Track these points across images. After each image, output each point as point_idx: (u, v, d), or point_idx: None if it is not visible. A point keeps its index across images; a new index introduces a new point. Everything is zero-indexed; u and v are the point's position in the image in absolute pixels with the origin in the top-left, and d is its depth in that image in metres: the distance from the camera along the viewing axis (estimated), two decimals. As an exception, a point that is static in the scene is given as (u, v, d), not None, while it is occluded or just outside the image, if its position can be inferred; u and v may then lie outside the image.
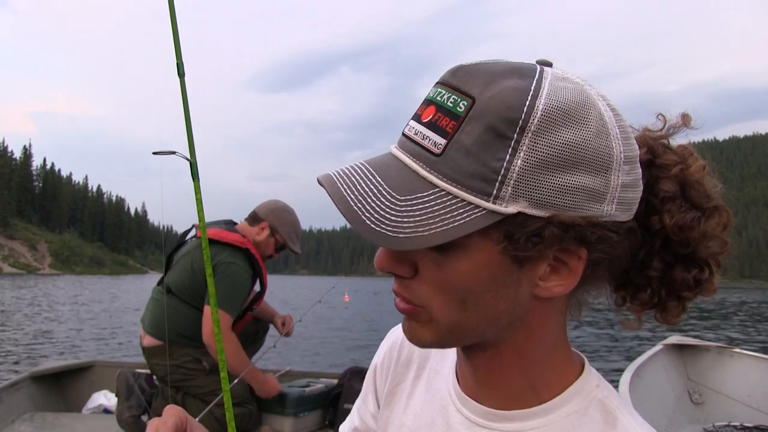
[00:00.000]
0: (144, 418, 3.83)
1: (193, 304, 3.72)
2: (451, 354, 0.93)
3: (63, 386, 5.00)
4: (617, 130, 0.70)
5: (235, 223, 4.06)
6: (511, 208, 0.67)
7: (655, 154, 0.80)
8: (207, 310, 3.57)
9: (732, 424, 3.43)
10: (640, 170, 0.74)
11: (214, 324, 2.85)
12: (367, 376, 1.10)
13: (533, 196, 0.67)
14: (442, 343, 0.79)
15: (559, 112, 0.66)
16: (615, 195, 0.70)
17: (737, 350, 4.46)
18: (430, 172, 0.69)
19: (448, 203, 0.67)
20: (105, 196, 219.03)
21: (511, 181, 0.66)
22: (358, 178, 0.72)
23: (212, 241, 3.64)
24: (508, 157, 0.66)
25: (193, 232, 4.03)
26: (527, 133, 0.66)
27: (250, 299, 3.98)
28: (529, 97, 0.66)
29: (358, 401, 1.13)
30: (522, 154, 0.66)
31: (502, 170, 0.66)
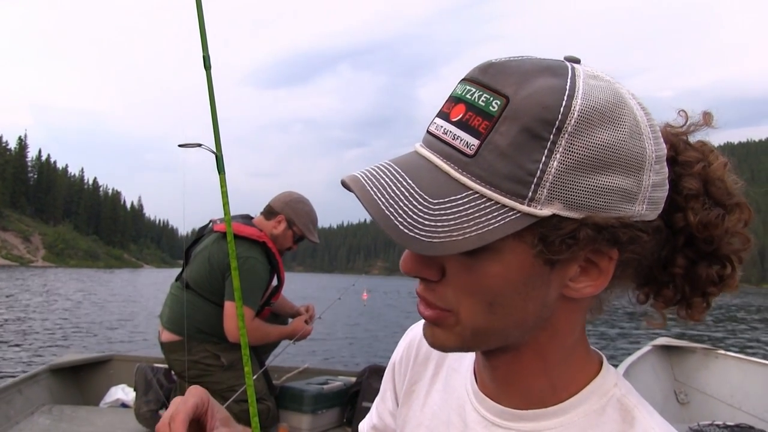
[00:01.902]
0: (161, 412, 3.76)
1: (211, 300, 3.72)
2: (469, 352, 0.91)
3: (81, 379, 5.00)
4: (648, 130, 0.70)
5: (252, 218, 4.05)
6: (546, 211, 0.66)
7: (678, 151, 0.79)
8: (228, 305, 3.60)
9: (715, 423, 3.53)
10: (667, 169, 0.74)
11: (239, 318, 2.84)
12: (386, 374, 1.10)
13: (568, 197, 0.66)
14: (466, 348, 0.79)
15: (595, 113, 0.66)
16: (646, 195, 0.70)
17: (721, 352, 4.57)
18: (462, 174, 0.67)
19: (482, 206, 0.66)
20: (101, 189, 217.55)
21: (547, 183, 0.65)
22: (387, 180, 0.70)
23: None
24: (543, 158, 0.65)
25: (210, 227, 4.00)
26: (564, 134, 0.65)
27: (268, 293, 3.97)
28: (566, 98, 0.66)
29: (377, 399, 1.12)
30: (558, 156, 0.65)
31: (538, 172, 0.65)
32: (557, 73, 0.68)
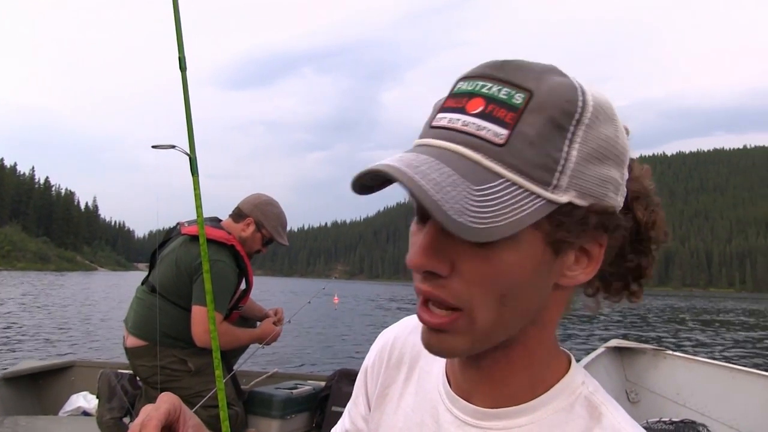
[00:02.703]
0: (126, 420, 3.79)
1: (178, 304, 3.67)
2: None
3: (39, 388, 4.84)
4: (624, 132, 0.75)
5: (220, 220, 4.00)
6: (565, 198, 0.69)
7: None
8: (196, 309, 3.56)
9: (663, 419, 3.63)
10: None
11: (211, 322, 2.88)
12: (358, 378, 1.10)
13: (581, 185, 0.70)
14: (474, 350, 0.78)
15: (602, 109, 0.71)
16: (623, 188, 0.76)
17: (669, 352, 4.72)
18: (495, 163, 0.68)
19: (515, 193, 0.67)
20: (53, 188, 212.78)
21: (568, 171, 0.69)
22: (426, 167, 0.68)
23: (197, 238, 3.55)
24: (566, 148, 0.69)
25: (179, 230, 3.90)
26: (581, 125, 0.69)
27: (236, 297, 3.93)
28: (580, 93, 0.70)
29: (349, 404, 1.12)
30: (577, 146, 0.69)
31: (562, 161, 0.68)
32: (563, 74, 0.72)
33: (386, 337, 1.07)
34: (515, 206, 0.67)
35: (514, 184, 0.68)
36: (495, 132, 0.69)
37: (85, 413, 4.51)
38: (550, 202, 0.69)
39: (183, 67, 2.63)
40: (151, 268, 3.92)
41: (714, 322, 35.73)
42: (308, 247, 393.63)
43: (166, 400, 0.87)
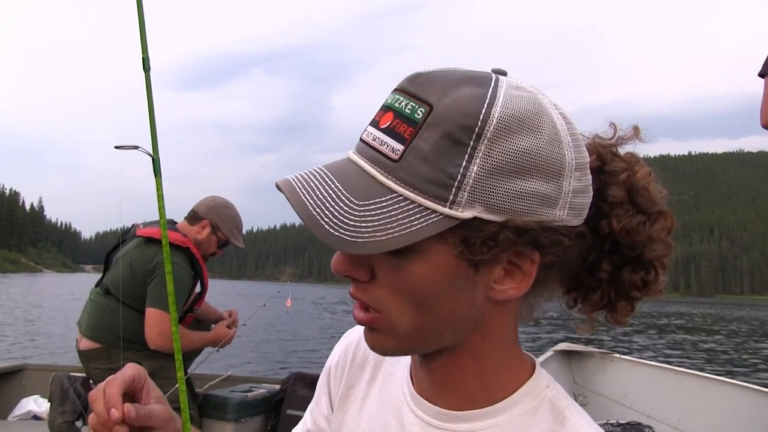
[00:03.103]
0: (78, 423, 3.74)
1: (132, 306, 3.61)
2: (406, 356, 0.93)
3: None
4: (569, 138, 0.72)
5: (176, 223, 3.97)
6: (467, 213, 0.68)
7: (604, 161, 0.82)
8: (150, 312, 3.54)
9: (610, 422, 3.65)
10: (590, 176, 0.76)
11: (173, 323, 2.78)
12: (321, 378, 1.10)
13: (489, 201, 0.68)
14: (404, 351, 0.81)
15: (513, 120, 0.68)
16: (567, 200, 0.72)
17: (616, 355, 4.75)
18: (388, 178, 0.70)
19: (406, 208, 0.69)
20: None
21: (467, 187, 0.68)
22: (316, 182, 0.72)
23: (152, 240, 3.65)
24: (464, 163, 0.68)
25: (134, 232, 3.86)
26: (483, 140, 0.68)
27: (191, 300, 3.90)
28: (485, 105, 0.68)
29: (311, 404, 1.12)
30: (478, 161, 0.68)
31: (459, 176, 0.68)
32: (480, 83, 0.71)
33: (351, 337, 1.08)
34: (403, 221, 0.68)
35: (405, 199, 0.69)
36: (393, 147, 0.71)
37: (36, 417, 4.46)
38: (449, 217, 0.69)
39: (147, 68, 2.63)
40: (106, 270, 3.88)
41: (656, 325, 36.65)
42: (257, 249, 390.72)
43: (132, 367, 0.88)
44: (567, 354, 4.93)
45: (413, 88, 0.73)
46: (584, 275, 0.83)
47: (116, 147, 2.65)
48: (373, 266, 0.75)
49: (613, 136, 0.86)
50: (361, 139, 0.76)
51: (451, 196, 0.68)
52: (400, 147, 0.70)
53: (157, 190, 2.92)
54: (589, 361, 4.83)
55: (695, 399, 4.02)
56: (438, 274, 0.72)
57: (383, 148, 0.71)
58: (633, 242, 0.79)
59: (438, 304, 0.74)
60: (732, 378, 4.16)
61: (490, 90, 0.70)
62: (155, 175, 2.88)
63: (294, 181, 0.74)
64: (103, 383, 0.84)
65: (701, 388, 4.03)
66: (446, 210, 0.68)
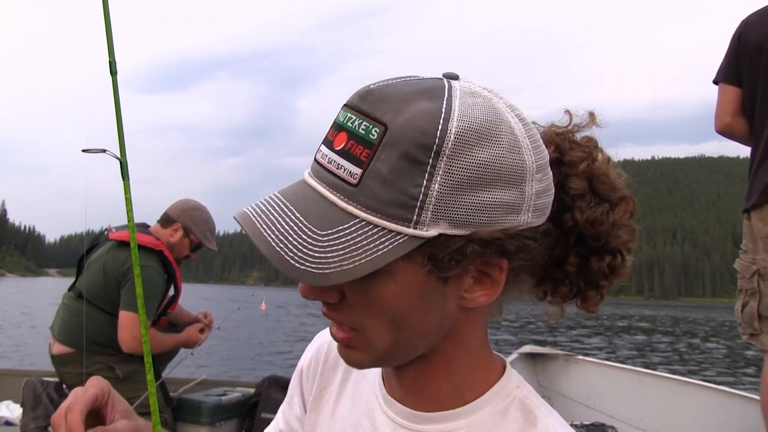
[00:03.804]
0: (51, 429, 3.60)
1: (105, 310, 3.62)
2: None
3: None
4: (527, 141, 0.71)
5: (148, 226, 3.95)
6: (432, 231, 0.68)
7: (562, 152, 0.81)
8: (123, 315, 3.53)
9: (574, 423, 3.69)
10: (551, 174, 0.75)
11: (142, 326, 2.77)
12: (293, 379, 1.10)
13: (452, 216, 0.67)
14: (380, 364, 0.83)
15: (471, 133, 0.67)
16: (530, 204, 0.71)
17: (580, 357, 4.81)
18: (348, 203, 0.69)
19: (370, 233, 0.68)
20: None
21: (431, 206, 0.67)
22: (276, 214, 0.71)
23: (125, 244, 3.65)
24: (425, 182, 0.66)
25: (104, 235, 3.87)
26: (442, 156, 0.66)
27: (165, 303, 3.88)
28: (441, 121, 0.67)
29: (283, 405, 1.12)
30: (439, 179, 0.66)
31: (420, 196, 0.67)
32: (434, 95, 0.69)
33: (323, 338, 1.07)
34: (369, 246, 0.67)
35: (369, 224, 0.68)
36: (350, 171, 0.69)
37: (8, 423, 4.35)
38: (414, 237, 0.68)
39: (113, 72, 2.66)
40: (78, 274, 3.87)
41: (618, 327, 37.17)
42: (223, 253, 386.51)
43: (94, 384, 0.85)
44: (532, 356, 4.98)
45: (365, 106, 0.71)
46: (552, 269, 0.83)
47: (83, 150, 2.65)
48: (341, 288, 0.74)
49: (569, 123, 0.85)
50: (316, 160, 0.75)
51: (415, 217, 0.68)
52: (357, 171, 0.68)
53: (125, 193, 2.91)
54: (554, 363, 4.88)
55: (657, 399, 4.10)
56: (408, 292, 0.72)
57: (340, 172, 0.70)
58: (597, 233, 0.79)
59: (411, 319, 0.74)
60: (691, 378, 4.26)
61: (444, 102, 0.69)
62: (123, 179, 2.89)
63: (252, 214, 0.72)
64: (64, 405, 0.81)
65: (662, 388, 4.12)
66: (410, 231, 0.68)
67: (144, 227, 3.92)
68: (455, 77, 0.75)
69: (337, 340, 0.80)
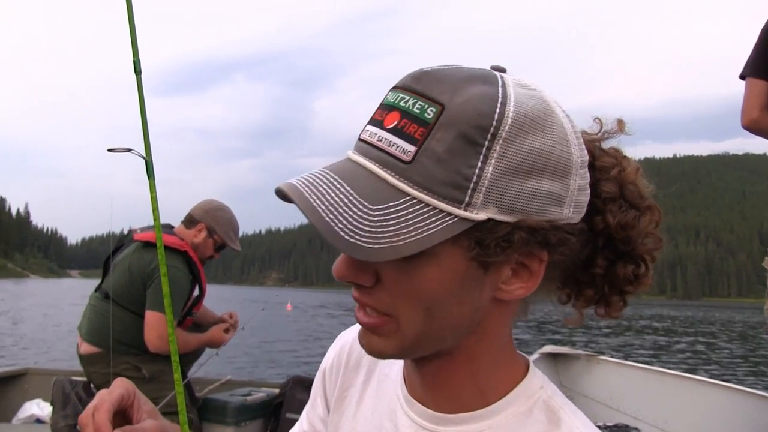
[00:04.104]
0: (79, 428, 3.66)
1: (131, 310, 3.63)
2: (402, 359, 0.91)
3: None
4: (574, 136, 0.72)
5: (172, 227, 3.96)
6: (482, 215, 0.67)
7: (594, 157, 0.80)
8: (149, 315, 3.55)
9: (597, 424, 3.76)
10: (589, 174, 0.76)
11: (169, 325, 2.81)
12: (316, 380, 1.09)
13: (502, 202, 0.67)
14: (403, 355, 0.80)
15: (526, 120, 0.67)
16: (573, 198, 0.72)
17: (602, 357, 4.77)
18: (400, 180, 0.68)
19: (420, 211, 0.67)
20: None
21: (483, 188, 0.66)
22: (325, 187, 0.69)
23: (150, 244, 3.67)
24: (479, 164, 0.66)
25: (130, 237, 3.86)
26: (498, 140, 0.66)
27: (190, 304, 3.88)
28: (499, 105, 0.67)
29: (307, 406, 1.11)
30: (493, 161, 0.66)
31: (474, 177, 0.66)
32: (489, 81, 0.69)
33: (345, 339, 1.06)
34: (419, 224, 0.66)
35: (420, 202, 0.67)
36: (403, 149, 0.68)
37: (39, 421, 4.47)
38: (464, 219, 0.67)
39: (138, 71, 2.69)
40: (105, 275, 3.90)
41: (640, 328, 36.89)
42: (242, 254, 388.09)
43: (120, 385, 0.86)
44: (553, 356, 4.96)
45: (420, 86, 0.70)
46: (579, 271, 0.82)
47: (109, 150, 2.67)
48: (377, 270, 0.73)
49: (599, 131, 0.84)
50: (362, 140, 0.73)
51: (467, 198, 0.67)
52: (411, 148, 0.68)
53: (151, 192, 2.94)
54: (575, 363, 4.85)
55: (681, 400, 4.05)
56: (449, 277, 0.71)
57: (392, 150, 0.69)
58: (628, 237, 0.79)
59: (447, 307, 0.73)
60: (716, 379, 4.18)
61: (500, 89, 0.69)
62: (148, 177, 2.92)
63: (300, 185, 0.70)
64: (92, 406, 0.82)
65: (687, 390, 4.06)
66: (461, 212, 0.67)
67: (168, 228, 3.94)
68: (503, 70, 0.75)
69: (364, 326, 0.78)
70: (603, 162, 0.81)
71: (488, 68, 0.74)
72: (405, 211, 0.67)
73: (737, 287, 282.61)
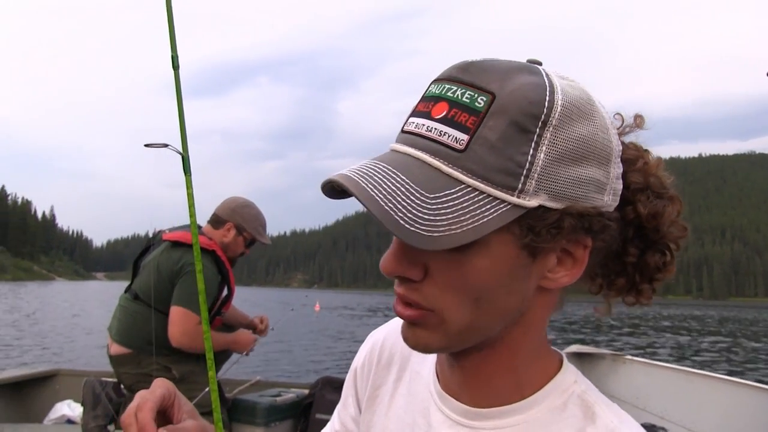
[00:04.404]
0: (110, 428, 3.74)
1: (160, 310, 3.60)
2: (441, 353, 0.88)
3: (24, 396, 4.84)
4: (612, 125, 0.74)
5: (200, 227, 3.94)
6: (534, 202, 0.68)
7: (621, 149, 0.80)
8: (174, 311, 3.57)
9: None
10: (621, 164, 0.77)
11: (204, 323, 2.80)
12: (347, 379, 1.09)
13: (552, 188, 0.68)
14: (450, 347, 0.78)
15: (573, 108, 0.69)
16: (612, 186, 0.73)
17: (628, 357, 4.79)
18: (453, 168, 0.68)
19: (476, 199, 0.67)
20: (9, 198, 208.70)
21: (535, 175, 0.67)
22: (381, 176, 0.69)
23: (178, 244, 3.69)
24: (531, 151, 0.67)
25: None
26: (549, 127, 0.67)
27: (219, 303, 3.88)
28: (548, 93, 0.68)
29: (338, 406, 1.11)
30: (544, 148, 0.67)
31: (527, 164, 0.67)
32: (533, 71, 0.70)
33: (375, 337, 1.06)
34: (476, 212, 0.66)
35: (475, 189, 0.67)
36: (456, 137, 0.68)
37: (70, 421, 4.51)
38: (517, 206, 0.68)
39: (176, 66, 2.74)
40: (134, 276, 3.92)
41: (666, 327, 36.63)
42: (267, 255, 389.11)
43: (161, 385, 0.86)
44: (579, 356, 4.96)
45: (468, 77, 0.71)
46: (611, 261, 0.83)
47: (146, 145, 2.70)
48: (427, 263, 0.73)
49: (621, 126, 0.84)
50: (407, 132, 0.73)
51: (520, 185, 0.67)
52: (464, 137, 0.68)
53: (187, 188, 3.00)
54: (601, 363, 4.88)
55: (709, 400, 4.02)
56: (500, 265, 0.71)
57: (444, 139, 0.69)
58: (658, 226, 0.80)
59: (495, 298, 0.73)
60: (744, 379, 4.14)
61: (546, 78, 0.70)
62: (185, 173, 2.96)
63: (355, 176, 0.69)
64: (134, 405, 0.82)
65: (714, 389, 4.03)
66: (515, 199, 0.67)
67: (197, 228, 3.92)
68: (540, 63, 0.76)
69: (405, 318, 0.77)
70: (628, 154, 0.81)
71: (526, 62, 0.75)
72: (461, 199, 0.67)
73: (764, 287, 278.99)
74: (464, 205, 0.66)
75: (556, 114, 0.67)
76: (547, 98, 0.68)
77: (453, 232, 0.66)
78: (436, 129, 0.69)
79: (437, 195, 0.67)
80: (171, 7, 2.74)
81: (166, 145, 2.81)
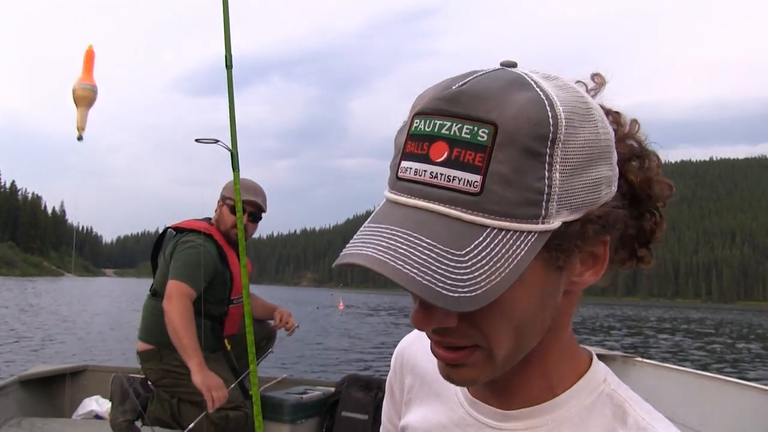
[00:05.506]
0: (138, 423, 3.77)
1: None
2: None
3: (53, 391, 4.89)
4: (602, 111, 0.71)
5: (209, 219, 4.05)
6: (557, 222, 0.65)
7: None
8: (168, 284, 3.59)
9: None
10: None
11: (247, 316, 2.98)
12: (385, 398, 1.09)
13: (572, 202, 0.66)
14: (496, 375, 0.75)
15: (574, 115, 0.66)
16: (616, 173, 0.71)
17: (638, 359, 4.82)
18: (475, 215, 0.63)
19: (504, 240, 0.63)
20: (20, 193, 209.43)
21: (555, 196, 0.64)
22: (404, 247, 0.63)
23: (179, 230, 3.85)
24: (547, 173, 0.64)
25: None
26: (558, 144, 0.64)
27: (227, 291, 3.89)
28: (548, 108, 0.64)
29: (384, 404, 1.11)
30: (558, 167, 0.64)
31: (546, 189, 0.64)
32: (523, 84, 0.66)
33: (402, 346, 1.05)
34: (508, 254, 0.63)
35: (501, 230, 0.64)
36: (467, 180, 0.63)
37: (98, 416, 4.59)
38: (543, 232, 0.65)
39: (229, 65, 2.86)
40: (154, 272, 4.03)
41: (672, 329, 36.54)
42: (277, 254, 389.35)
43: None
44: None
45: (460, 108, 0.65)
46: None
47: (197, 140, 2.82)
48: None
49: (587, 90, 0.79)
50: (407, 180, 0.68)
51: (543, 212, 0.64)
52: (476, 178, 0.63)
53: (235, 184, 3.16)
54: (611, 364, 4.81)
55: (718, 403, 4.04)
56: (532, 291, 0.69)
57: (455, 184, 0.64)
58: (651, 191, 0.77)
59: (533, 320, 0.71)
60: (753, 382, 4.19)
61: (539, 90, 0.66)
62: (233, 170, 3.11)
63: (379, 254, 0.64)
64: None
65: (723, 392, 4.05)
66: (540, 227, 0.64)
67: (207, 220, 4.04)
68: (514, 65, 0.71)
69: (448, 362, 0.73)
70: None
71: (500, 66, 0.71)
72: (491, 245, 0.63)
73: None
74: (496, 250, 0.63)
75: (562, 128, 0.64)
76: (550, 114, 0.64)
77: (493, 283, 0.62)
78: (442, 174, 0.65)
79: (468, 250, 0.63)
80: (228, 10, 2.83)
81: (216, 141, 2.93)
